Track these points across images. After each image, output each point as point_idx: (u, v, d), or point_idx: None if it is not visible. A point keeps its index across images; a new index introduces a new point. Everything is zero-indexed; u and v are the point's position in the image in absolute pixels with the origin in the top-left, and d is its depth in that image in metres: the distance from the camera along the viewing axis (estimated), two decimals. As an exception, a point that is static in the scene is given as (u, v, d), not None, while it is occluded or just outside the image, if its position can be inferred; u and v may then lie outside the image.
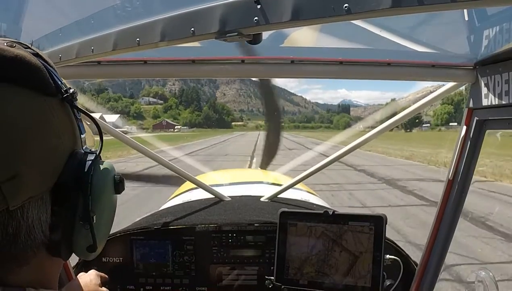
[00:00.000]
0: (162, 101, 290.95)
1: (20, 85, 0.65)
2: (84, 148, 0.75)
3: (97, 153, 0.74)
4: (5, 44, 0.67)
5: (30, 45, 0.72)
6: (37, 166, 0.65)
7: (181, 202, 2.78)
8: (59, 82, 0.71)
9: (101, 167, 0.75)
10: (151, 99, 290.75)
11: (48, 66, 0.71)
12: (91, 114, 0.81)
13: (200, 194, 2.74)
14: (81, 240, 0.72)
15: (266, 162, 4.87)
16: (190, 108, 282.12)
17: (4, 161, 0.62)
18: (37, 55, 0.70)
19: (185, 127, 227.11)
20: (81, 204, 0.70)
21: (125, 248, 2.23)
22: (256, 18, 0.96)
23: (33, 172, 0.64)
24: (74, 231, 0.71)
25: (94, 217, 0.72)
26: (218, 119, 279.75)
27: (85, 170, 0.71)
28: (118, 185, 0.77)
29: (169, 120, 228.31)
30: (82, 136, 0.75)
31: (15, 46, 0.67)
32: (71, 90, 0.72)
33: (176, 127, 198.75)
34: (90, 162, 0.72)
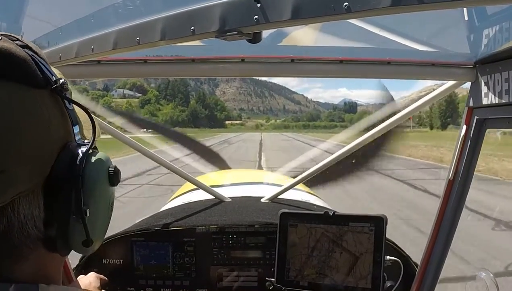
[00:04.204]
0: (140, 95, 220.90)
1: (5, 78, 0.63)
2: (77, 139, 0.73)
3: (90, 144, 0.72)
4: None
5: (20, 37, 0.70)
6: (26, 160, 0.63)
7: (181, 203, 2.77)
8: (49, 74, 0.69)
9: (94, 158, 0.72)
10: (127, 92, 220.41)
11: (37, 57, 0.69)
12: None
13: (201, 195, 2.73)
14: (76, 235, 0.70)
15: (220, 165, 5.26)
16: (173, 103, 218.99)
17: None
18: (25, 46, 0.68)
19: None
20: (74, 198, 0.68)
21: (126, 249, 2.22)
22: (256, 17, 0.96)
23: (21, 166, 0.63)
24: (68, 225, 0.69)
25: (88, 210, 0.69)
26: (208, 117, 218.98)
27: (77, 162, 0.69)
28: (113, 176, 0.74)
29: (143, 118, 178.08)
30: (74, 128, 0.73)
31: (1, 39, 0.65)
32: (61, 81, 0.69)
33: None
34: (82, 153, 0.69)
